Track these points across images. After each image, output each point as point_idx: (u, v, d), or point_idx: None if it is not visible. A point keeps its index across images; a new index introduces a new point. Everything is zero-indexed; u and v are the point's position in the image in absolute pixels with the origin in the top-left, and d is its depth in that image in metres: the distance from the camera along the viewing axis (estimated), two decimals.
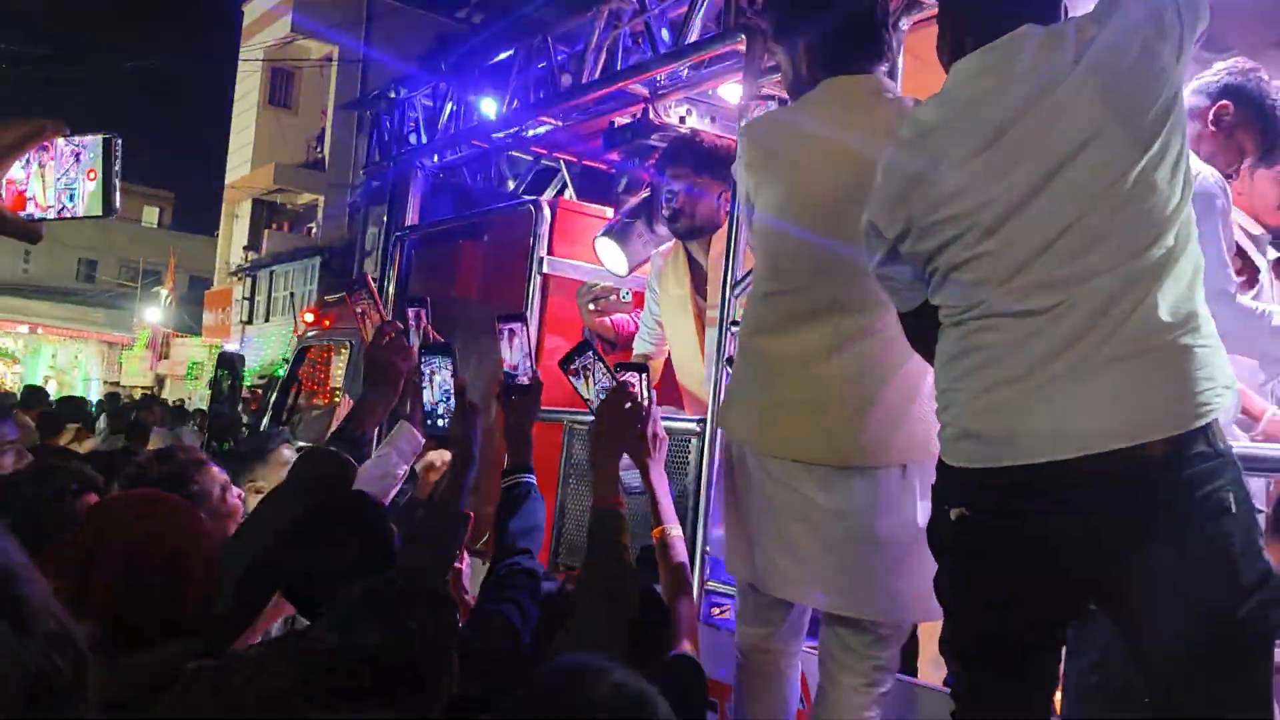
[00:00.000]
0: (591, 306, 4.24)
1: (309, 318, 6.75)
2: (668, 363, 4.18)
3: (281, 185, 29.17)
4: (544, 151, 5.24)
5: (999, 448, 2.00)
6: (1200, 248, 2.05)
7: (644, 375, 2.75)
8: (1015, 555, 2.05)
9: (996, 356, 2.02)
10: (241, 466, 3.97)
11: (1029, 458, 1.96)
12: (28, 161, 1.37)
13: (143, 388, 30.24)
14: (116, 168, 1.39)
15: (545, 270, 4.42)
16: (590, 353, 2.74)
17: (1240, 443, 2.33)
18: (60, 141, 1.37)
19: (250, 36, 30.19)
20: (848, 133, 2.49)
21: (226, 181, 31.41)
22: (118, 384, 31.58)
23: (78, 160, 1.37)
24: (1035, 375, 1.96)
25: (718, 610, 3.46)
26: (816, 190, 2.54)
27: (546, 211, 4.45)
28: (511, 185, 6.04)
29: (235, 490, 2.97)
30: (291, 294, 25.78)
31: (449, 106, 5.18)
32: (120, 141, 1.40)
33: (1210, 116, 2.99)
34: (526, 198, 4.53)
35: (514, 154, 5.66)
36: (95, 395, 25.47)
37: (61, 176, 1.37)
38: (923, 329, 2.24)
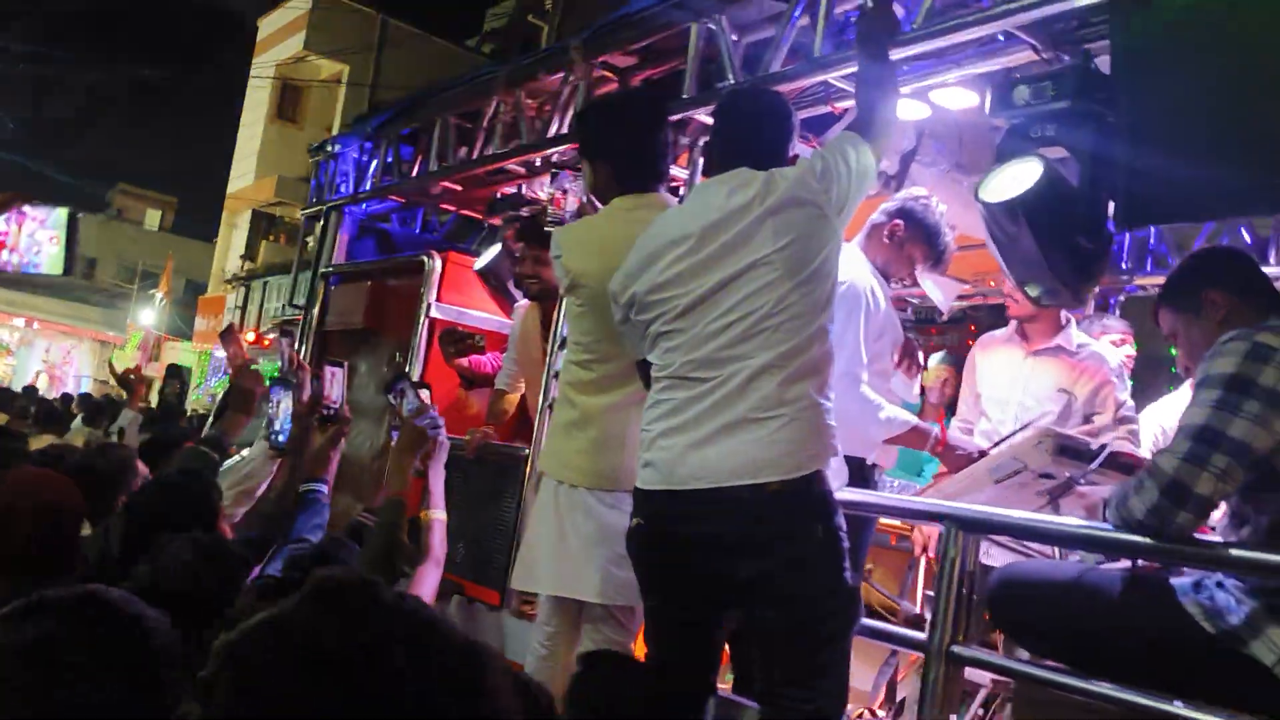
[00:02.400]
0: (451, 350, 5.09)
1: (250, 336, 7.61)
2: (524, 398, 5.02)
3: (282, 199, 29.89)
4: (451, 208, 6.13)
5: (663, 475, 2.84)
6: (843, 338, 2.91)
7: (429, 391, 3.65)
8: (667, 555, 2.90)
9: (674, 409, 2.86)
10: (160, 455, 4.84)
11: (680, 485, 2.80)
12: (7, 219, 2.02)
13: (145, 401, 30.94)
14: (78, 236, 2.00)
15: (433, 314, 5.28)
16: (404, 381, 3.60)
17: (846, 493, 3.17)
18: (30, 208, 2.00)
19: (263, 51, 30.95)
20: (623, 242, 3.20)
21: (229, 191, 32.14)
22: (106, 382, 32.27)
23: (44, 225, 2.01)
24: (695, 427, 2.81)
25: (528, 607, 4.29)
26: (598, 282, 3.33)
27: (437, 263, 5.31)
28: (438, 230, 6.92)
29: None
30: (282, 306, 26.57)
31: (374, 162, 6.07)
32: (79, 216, 2.03)
33: (885, 232, 3.89)
34: (422, 252, 5.36)
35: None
36: (86, 391, 26.19)
37: (30, 236, 2.01)
38: (648, 374, 3.06)
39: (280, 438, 3.75)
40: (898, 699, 4.45)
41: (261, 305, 27.86)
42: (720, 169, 3.04)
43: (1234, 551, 2.48)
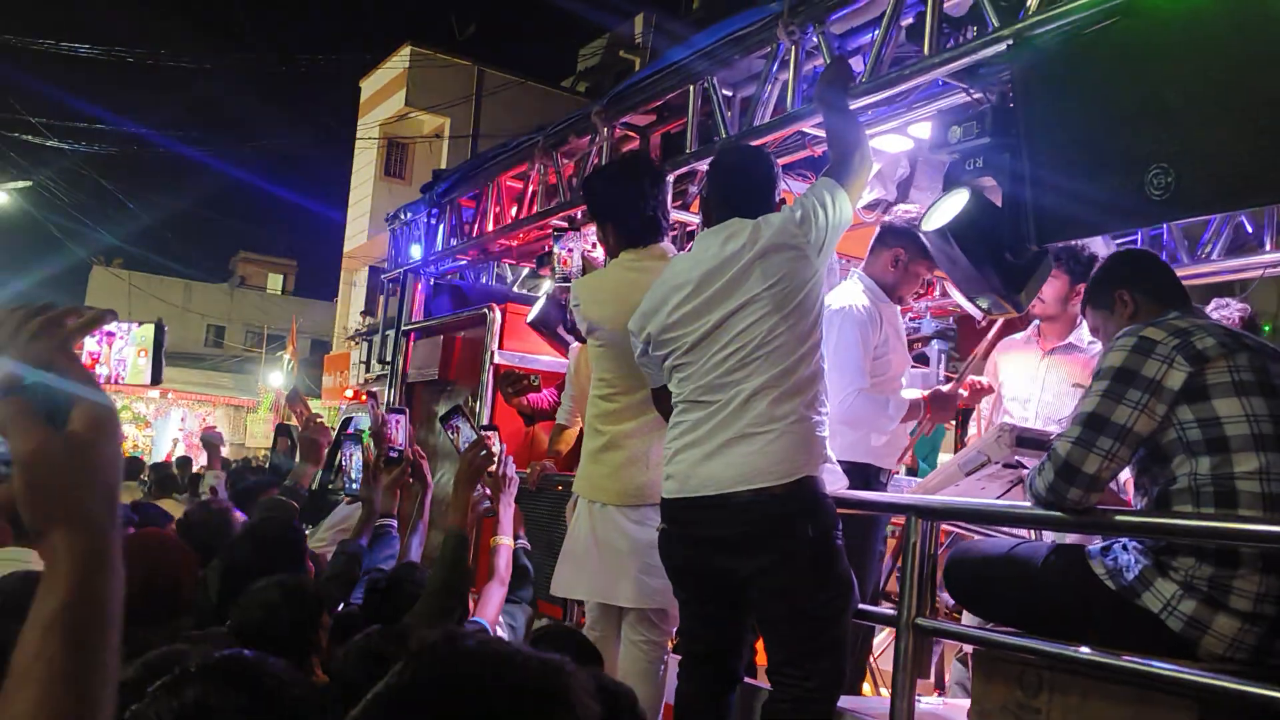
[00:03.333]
0: (509, 390, 5.74)
1: (349, 394, 8.41)
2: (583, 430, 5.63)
3: None
4: (512, 261, 6.83)
5: (680, 484, 3.43)
6: (845, 358, 3.49)
7: (496, 432, 4.22)
8: (687, 554, 3.48)
9: (688, 429, 3.45)
10: (246, 502, 5.57)
11: (693, 492, 3.38)
12: (98, 339, 1.87)
13: (266, 449, 32.38)
14: (164, 346, 1.83)
15: (496, 360, 5.94)
16: (459, 415, 4.21)
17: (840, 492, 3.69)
18: (117, 325, 1.79)
19: (367, 111, 32.25)
20: (638, 289, 3.83)
21: (345, 250, 33.40)
22: (244, 445, 33.72)
23: (130, 342, 1.79)
24: (705, 443, 3.39)
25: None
26: (621, 326, 3.91)
27: (497, 315, 5.98)
28: (509, 280, 7.61)
29: None
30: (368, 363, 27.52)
31: (440, 226, 6.80)
32: (166, 327, 1.84)
33: (890, 259, 4.39)
34: (484, 305, 6.05)
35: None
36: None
37: (118, 353, 1.84)
38: (664, 401, 3.67)
39: (354, 486, 4.42)
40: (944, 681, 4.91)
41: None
42: (716, 220, 3.62)
43: (1119, 518, 2.97)
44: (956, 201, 3.68)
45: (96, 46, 23.44)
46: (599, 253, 5.21)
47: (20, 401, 1.09)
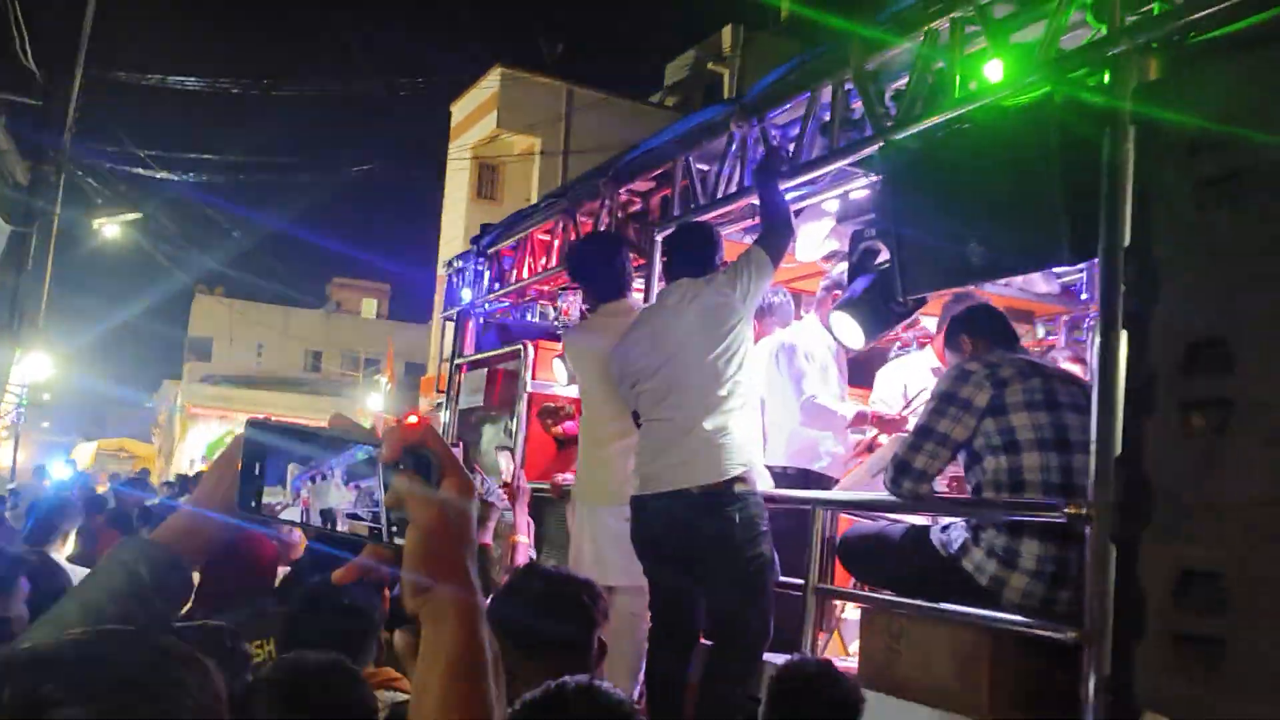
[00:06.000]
0: (549, 421, 7.04)
1: (413, 419, 9.79)
2: None
3: None
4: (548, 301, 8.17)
5: (644, 484, 4.71)
6: (790, 382, 4.77)
7: (511, 453, 5.53)
8: (649, 540, 4.74)
9: (650, 442, 4.74)
10: None
11: (651, 490, 4.66)
12: None
13: None
14: None
15: (529, 390, 7.25)
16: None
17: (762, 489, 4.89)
18: None
19: (459, 135, 33.73)
20: (608, 338, 5.19)
21: (439, 272, 34.81)
22: None
23: None
24: (662, 452, 4.66)
25: None
26: (597, 371, 5.25)
27: (530, 350, 7.28)
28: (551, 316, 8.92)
29: None
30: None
31: (486, 273, 8.16)
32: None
33: (825, 298, 5.62)
34: (519, 342, 7.39)
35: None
36: None
37: None
38: (637, 421, 4.93)
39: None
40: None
41: None
42: (670, 279, 4.91)
43: (940, 501, 4.19)
44: (860, 261, 4.93)
45: (203, 79, 25.01)
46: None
47: (415, 474, 1.25)
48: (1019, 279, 5.26)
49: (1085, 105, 3.70)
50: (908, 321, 5.56)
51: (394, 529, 1.28)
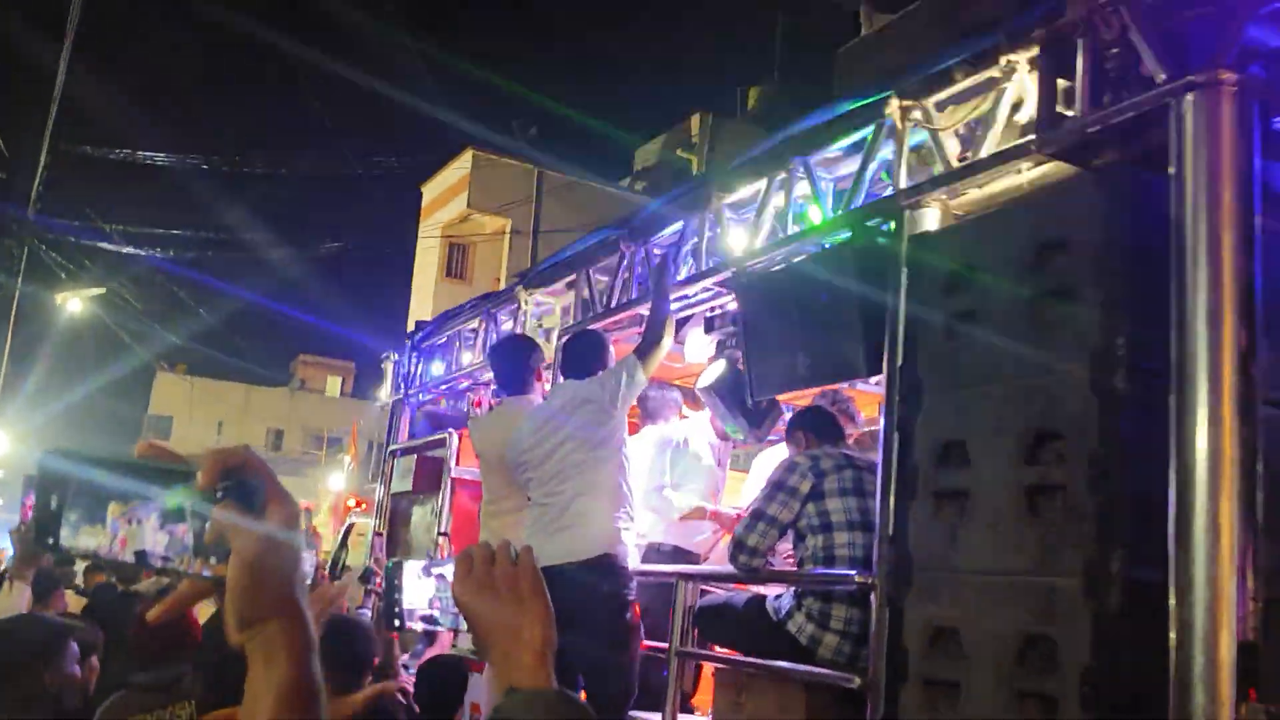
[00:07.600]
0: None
1: (351, 502, 10.74)
2: None
3: None
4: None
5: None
6: (656, 471, 5.71)
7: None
8: None
9: (535, 520, 5.65)
10: None
11: (539, 564, 5.52)
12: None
13: (325, 552, 34.55)
14: None
15: (453, 475, 8.15)
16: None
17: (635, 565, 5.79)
18: None
19: (429, 215, 34.38)
20: (506, 428, 6.12)
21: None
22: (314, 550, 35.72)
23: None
24: (544, 530, 5.55)
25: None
26: (495, 455, 6.18)
27: (455, 438, 8.19)
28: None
29: None
30: None
31: (419, 366, 9.12)
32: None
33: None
34: (444, 431, 8.31)
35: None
36: None
37: None
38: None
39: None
40: None
41: None
42: (563, 378, 5.85)
43: (769, 571, 5.10)
44: (718, 368, 5.87)
45: (172, 155, 25.62)
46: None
47: (236, 504, 1.24)
48: None
49: (878, 249, 4.67)
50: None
51: (213, 560, 1.27)
